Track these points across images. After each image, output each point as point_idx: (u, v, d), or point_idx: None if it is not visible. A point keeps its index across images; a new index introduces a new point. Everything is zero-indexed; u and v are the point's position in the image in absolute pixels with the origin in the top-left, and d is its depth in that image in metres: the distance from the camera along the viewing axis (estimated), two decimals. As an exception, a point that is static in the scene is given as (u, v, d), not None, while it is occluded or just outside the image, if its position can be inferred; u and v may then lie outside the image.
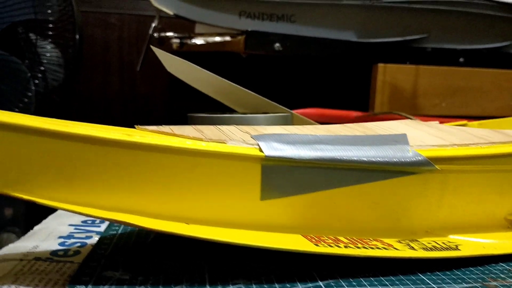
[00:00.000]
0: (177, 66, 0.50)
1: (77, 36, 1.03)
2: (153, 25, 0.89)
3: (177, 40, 0.96)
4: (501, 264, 0.30)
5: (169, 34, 0.92)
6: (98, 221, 0.40)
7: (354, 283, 0.26)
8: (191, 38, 0.91)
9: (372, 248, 0.28)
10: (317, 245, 0.27)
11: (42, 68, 0.96)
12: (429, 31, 0.92)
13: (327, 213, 0.29)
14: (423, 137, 0.33)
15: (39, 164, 0.23)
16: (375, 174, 0.29)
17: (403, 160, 0.29)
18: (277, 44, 0.80)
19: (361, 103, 0.86)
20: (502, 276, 0.28)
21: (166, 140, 0.25)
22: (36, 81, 0.94)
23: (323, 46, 0.83)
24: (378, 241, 0.29)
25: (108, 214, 0.24)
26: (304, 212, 0.29)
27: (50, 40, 0.97)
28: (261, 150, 0.27)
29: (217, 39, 0.92)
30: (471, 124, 0.52)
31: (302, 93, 0.97)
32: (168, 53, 0.49)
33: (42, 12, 0.94)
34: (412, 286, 0.26)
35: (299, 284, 0.26)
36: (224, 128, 0.30)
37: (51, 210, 0.43)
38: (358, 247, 0.27)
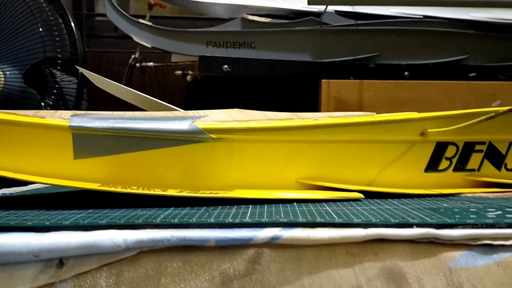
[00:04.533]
0: (101, 82, 0.63)
1: (80, 72, 1.21)
2: (133, 56, 1.04)
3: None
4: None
5: (149, 64, 1.07)
6: None
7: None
8: (168, 66, 1.06)
9: (144, 191, 0.38)
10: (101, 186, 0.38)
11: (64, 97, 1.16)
12: (381, 50, 1.00)
13: (131, 171, 0.40)
14: (220, 118, 0.43)
15: None
16: (166, 141, 0.40)
17: (179, 129, 0.39)
18: (225, 66, 0.91)
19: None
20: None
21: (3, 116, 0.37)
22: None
23: (269, 67, 0.94)
24: (160, 190, 0.39)
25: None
26: (111, 169, 0.40)
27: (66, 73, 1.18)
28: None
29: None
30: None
31: (260, 107, 1.08)
32: (93, 73, 0.63)
33: (58, 50, 1.15)
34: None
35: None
36: (60, 112, 0.42)
37: None
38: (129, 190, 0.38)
